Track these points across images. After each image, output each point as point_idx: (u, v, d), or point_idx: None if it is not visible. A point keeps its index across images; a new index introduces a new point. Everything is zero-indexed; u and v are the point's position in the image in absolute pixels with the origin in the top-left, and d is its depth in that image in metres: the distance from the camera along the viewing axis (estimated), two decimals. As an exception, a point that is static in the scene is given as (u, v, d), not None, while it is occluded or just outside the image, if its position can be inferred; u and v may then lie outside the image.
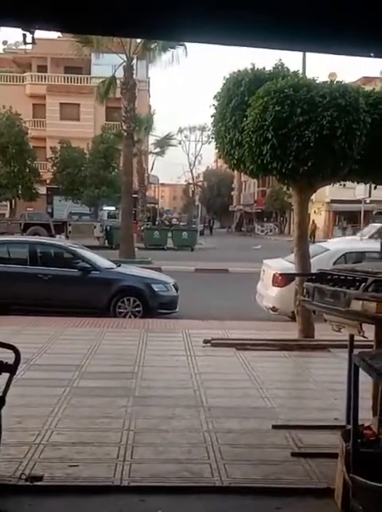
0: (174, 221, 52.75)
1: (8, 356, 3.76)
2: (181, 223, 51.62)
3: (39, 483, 4.02)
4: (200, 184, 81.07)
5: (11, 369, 3.74)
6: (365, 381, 3.65)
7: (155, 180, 62.50)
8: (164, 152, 44.45)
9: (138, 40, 23.61)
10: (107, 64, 28.75)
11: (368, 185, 18.02)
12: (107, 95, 26.50)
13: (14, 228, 29.36)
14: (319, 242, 20.03)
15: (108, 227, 32.19)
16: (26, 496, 3.93)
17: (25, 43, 4.29)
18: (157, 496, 4.01)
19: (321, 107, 7.88)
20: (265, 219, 63.33)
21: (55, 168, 38.66)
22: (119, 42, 24.44)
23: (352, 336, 4.33)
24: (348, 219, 46.52)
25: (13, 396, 4.14)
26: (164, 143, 43.92)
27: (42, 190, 40.96)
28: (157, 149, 44.36)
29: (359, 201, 27.49)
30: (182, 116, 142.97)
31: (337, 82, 8.46)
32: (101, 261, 12.05)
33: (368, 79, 36.83)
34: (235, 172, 18.84)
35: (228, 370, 7.38)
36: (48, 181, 41.02)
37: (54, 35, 42.29)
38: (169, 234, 33.44)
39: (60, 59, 47.25)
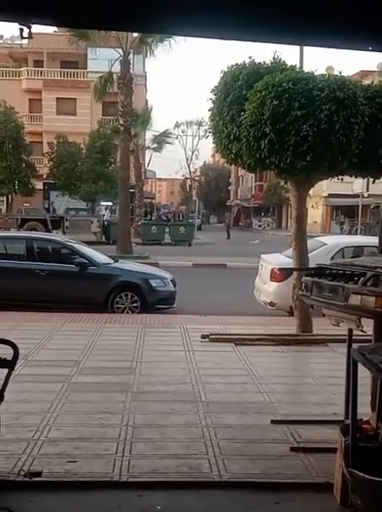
0: (169, 216, 52.55)
1: (6, 352, 3.76)
2: (178, 219, 51.37)
3: (38, 479, 4.02)
4: (197, 178, 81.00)
5: (10, 365, 3.74)
6: (364, 375, 3.65)
7: (152, 175, 62.34)
8: (161, 148, 44.41)
9: (135, 34, 23.52)
10: (103, 58, 28.68)
11: (366, 179, 17.94)
12: (105, 92, 26.39)
13: (11, 224, 29.26)
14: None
15: (105, 222, 32.15)
16: (25, 492, 3.93)
17: (22, 37, 4.23)
18: (156, 491, 4.01)
19: (319, 101, 7.85)
20: (262, 214, 63.29)
21: (51, 163, 38.54)
22: (116, 36, 24.36)
23: (350, 331, 4.33)
24: (346, 213, 46.55)
25: (12, 392, 4.13)
26: (161, 139, 43.86)
27: (39, 185, 40.83)
28: (155, 145, 44.32)
29: (357, 195, 27.49)
30: (179, 110, 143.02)
31: (335, 75, 8.42)
32: (98, 256, 12.03)
33: (365, 73, 36.70)
34: (233, 166, 18.79)
35: (226, 365, 7.37)
36: (45, 176, 40.89)
37: (50, 29, 42.00)
38: (167, 230, 33.41)
39: (57, 53, 47.13)
